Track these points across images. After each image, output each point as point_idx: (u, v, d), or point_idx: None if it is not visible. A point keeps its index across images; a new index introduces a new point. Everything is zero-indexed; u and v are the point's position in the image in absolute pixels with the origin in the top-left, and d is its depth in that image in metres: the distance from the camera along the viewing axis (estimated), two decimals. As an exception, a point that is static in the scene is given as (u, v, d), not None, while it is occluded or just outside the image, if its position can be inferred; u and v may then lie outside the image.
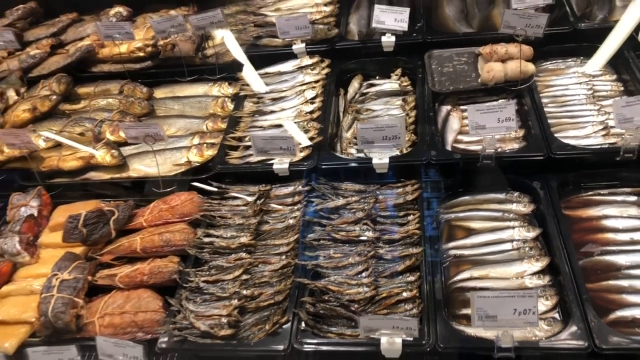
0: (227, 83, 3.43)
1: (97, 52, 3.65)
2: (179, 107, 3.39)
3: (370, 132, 2.58)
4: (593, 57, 3.05)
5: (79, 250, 2.71)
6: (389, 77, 3.31)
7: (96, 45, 3.65)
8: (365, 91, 3.22)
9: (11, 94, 3.52)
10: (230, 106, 3.28)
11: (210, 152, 2.96)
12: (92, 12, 4.17)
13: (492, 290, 2.07)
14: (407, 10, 3.18)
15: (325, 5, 3.43)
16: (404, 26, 3.19)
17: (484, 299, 1.84)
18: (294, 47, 3.31)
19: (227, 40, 3.42)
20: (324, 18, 3.38)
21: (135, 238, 2.66)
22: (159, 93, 3.52)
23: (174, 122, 3.27)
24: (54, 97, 3.35)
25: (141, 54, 3.55)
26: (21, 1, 4.09)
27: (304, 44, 3.30)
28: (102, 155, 3.01)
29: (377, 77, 3.32)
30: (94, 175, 3.06)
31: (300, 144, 2.72)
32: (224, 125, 3.17)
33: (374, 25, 3.22)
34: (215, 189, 2.79)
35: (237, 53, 3.39)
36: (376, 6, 3.21)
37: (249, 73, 3.36)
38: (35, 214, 2.87)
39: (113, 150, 3.01)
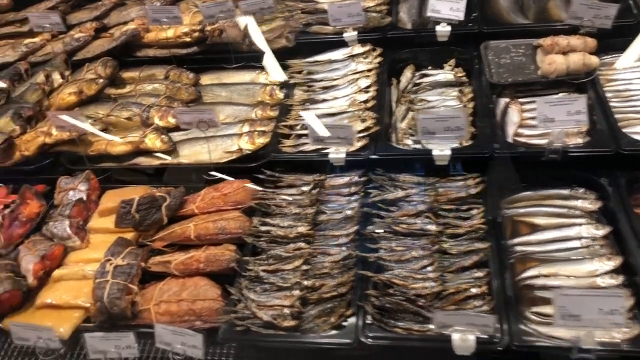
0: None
1: (142, 37, 3.60)
2: (227, 94, 3.33)
3: (431, 122, 2.51)
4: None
5: (129, 236, 2.67)
6: (441, 67, 3.23)
7: (141, 30, 3.60)
8: (418, 81, 3.14)
9: (56, 77, 3.48)
10: (279, 94, 3.22)
11: (261, 140, 2.91)
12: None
13: (572, 288, 2.00)
14: (464, -2, 3.10)
15: (378, -8, 3.35)
16: (459, 15, 3.11)
17: (566, 297, 1.77)
18: (345, 34, 3.24)
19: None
20: (377, 6, 3.30)
21: (188, 225, 2.61)
22: (205, 79, 3.46)
23: (222, 109, 3.21)
24: (101, 80, 3.30)
25: (187, 39, 3.49)
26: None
27: (355, 32, 3.23)
28: (152, 141, 2.96)
29: (430, 68, 3.24)
30: (143, 161, 3.02)
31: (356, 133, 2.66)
32: (273, 113, 3.12)
33: (428, 13, 3.14)
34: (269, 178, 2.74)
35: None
36: (432, -6, 3.13)
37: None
38: (84, 198, 2.84)
39: (163, 136, 2.97)
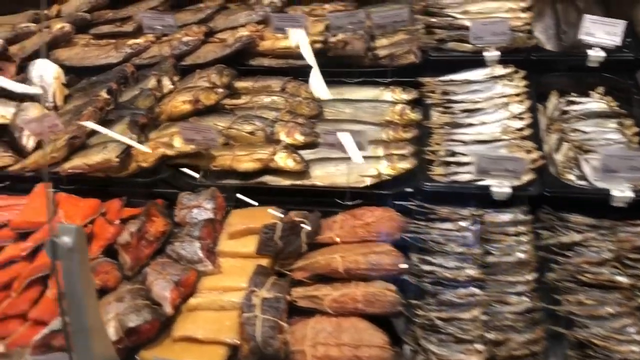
0: (400, 88, 3.15)
1: (256, 44, 3.40)
2: (351, 111, 3.10)
3: (615, 160, 2.27)
4: None
5: (263, 263, 2.46)
6: (585, 94, 2.99)
7: (256, 37, 3.40)
8: (566, 109, 2.90)
9: (166, 83, 3.29)
10: (411, 114, 2.99)
11: (403, 165, 2.68)
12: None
13: None
14: (622, 23, 2.86)
15: (523, 11, 3.12)
16: (616, 41, 2.87)
17: None
18: (486, 54, 3.01)
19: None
20: (524, 25, 3.07)
21: (333, 256, 2.38)
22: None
23: (348, 128, 2.98)
24: (220, 90, 3.09)
25: (307, 50, 3.30)
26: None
27: (498, 52, 3.00)
28: (283, 159, 2.75)
29: (574, 94, 3.00)
30: (271, 180, 2.80)
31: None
32: (406, 135, 2.89)
33: (581, 36, 2.91)
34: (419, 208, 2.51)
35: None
36: (587, 16, 2.89)
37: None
38: (213, 218, 2.63)
39: (295, 155, 2.75)
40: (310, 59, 3.17)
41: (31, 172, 2.96)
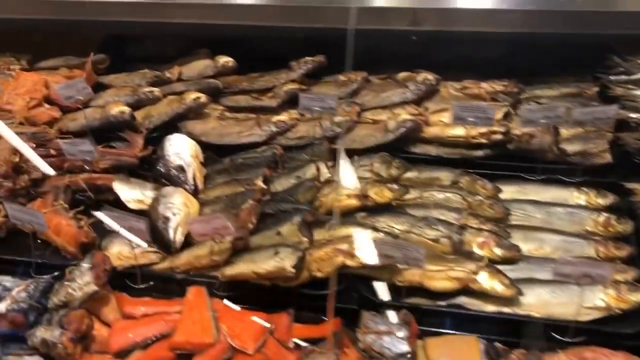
0: (595, 191, 2.76)
1: (421, 130, 3.05)
2: (542, 217, 2.71)
3: None
4: None
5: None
6: None
7: (422, 122, 3.05)
8: None
9: (323, 170, 2.93)
10: (619, 226, 2.59)
11: (635, 297, 2.27)
12: (374, 70, 3.59)
13: None
14: None
15: None
16: None
17: None
18: None
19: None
20: None
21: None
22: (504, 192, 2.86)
23: (545, 238, 2.60)
24: (396, 187, 2.71)
25: (482, 141, 2.93)
26: (307, 52, 3.54)
27: None
28: (489, 280, 2.35)
29: None
30: (468, 303, 2.40)
31: None
32: (618, 253, 2.49)
33: None
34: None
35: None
36: None
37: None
38: (410, 354, 2.22)
39: (502, 276, 2.35)
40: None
41: (182, 275, 2.60)
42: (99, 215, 2.62)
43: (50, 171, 3.04)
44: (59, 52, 4.16)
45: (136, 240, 2.52)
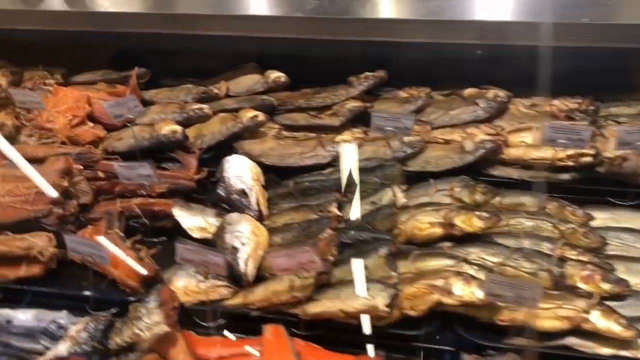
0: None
1: (501, 152, 2.85)
2: (642, 246, 2.53)
3: None
4: None
5: None
6: None
7: (501, 142, 2.85)
8: None
9: (399, 195, 2.72)
10: None
11: None
12: (437, 85, 3.39)
13: None
14: None
15: None
16: None
17: None
18: None
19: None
20: None
21: None
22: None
23: (649, 270, 2.40)
24: (486, 215, 2.47)
25: (570, 163, 2.74)
26: (367, 67, 3.34)
27: None
28: (603, 321, 2.14)
29: None
30: (578, 344, 2.18)
31: None
32: None
33: None
34: None
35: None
36: None
37: None
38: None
39: (617, 316, 2.14)
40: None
41: (257, 312, 2.37)
42: (179, 247, 2.34)
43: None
44: (88, 64, 3.94)
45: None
